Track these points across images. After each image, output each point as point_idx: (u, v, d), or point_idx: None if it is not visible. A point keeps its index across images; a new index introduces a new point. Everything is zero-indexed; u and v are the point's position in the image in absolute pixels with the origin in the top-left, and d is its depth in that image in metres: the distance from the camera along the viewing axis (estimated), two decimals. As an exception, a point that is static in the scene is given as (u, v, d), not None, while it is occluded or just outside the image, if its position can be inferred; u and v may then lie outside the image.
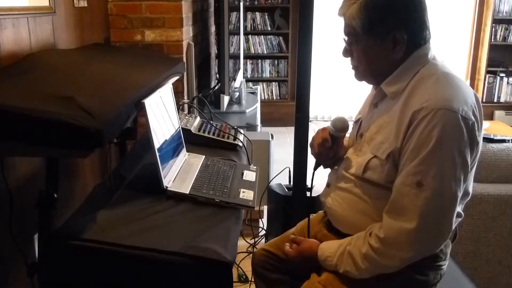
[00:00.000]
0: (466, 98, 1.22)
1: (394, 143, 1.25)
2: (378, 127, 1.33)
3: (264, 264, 1.62)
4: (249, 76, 5.89)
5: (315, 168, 1.54)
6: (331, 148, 1.45)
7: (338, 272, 1.33)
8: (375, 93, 1.39)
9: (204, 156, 1.72)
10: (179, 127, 1.69)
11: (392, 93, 1.31)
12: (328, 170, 1.55)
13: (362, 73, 1.37)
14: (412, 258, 1.25)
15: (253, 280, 1.69)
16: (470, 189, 1.31)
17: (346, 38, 1.34)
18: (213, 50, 4.05)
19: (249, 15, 5.74)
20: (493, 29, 5.72)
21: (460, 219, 1.34)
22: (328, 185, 1.50)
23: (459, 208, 1.27)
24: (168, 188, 1.41)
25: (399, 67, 1.30)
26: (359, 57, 1.33)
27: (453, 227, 1.26)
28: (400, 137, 1.23)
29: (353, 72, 1.39)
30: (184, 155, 1.68)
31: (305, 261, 1.41)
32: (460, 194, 1.22)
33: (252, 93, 4.20)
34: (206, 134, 1.92)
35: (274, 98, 6.02)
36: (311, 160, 2.53)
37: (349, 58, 1.38)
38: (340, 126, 1.42)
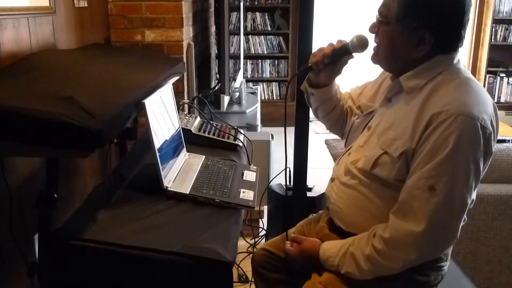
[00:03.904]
0: (486, 107, 1.21)
1: (408, 143, 1.24)
2: (390, 123, 1.32)
3: (264, 263, 1.61)
4: (249, 76, 5.89)
5: (301, 71, 1.52)
6: (332, 60, 1.42)
7: (339, 272, 1.32)
8: (391, 86, 1.37)
9: (204, 156, 1.71)
10: (179, 127, 1.69)
11: (409, 88, 1.29)
12: (328, 167, 1.54)
13: (380, 55, 1.34)
14: (415, 261, 1.25)
15: (253, 280, 1.69)
16: (474, 196, 1.31)
17: (379, 16, 1.32)
18: (213, 50, 4.05)
19: (249, 15, 5.74)
20: (493, 29, 5.72)
21: (463, 223, 1.33)
22: (332, 179, 1.49)
23: None
24: (168, 188, 1.41)
25: (418, 65, 1.29)
26: (382, 39, 1.32)
27: (459, 233, 1.26)
28: (416, 138, 1.22)
29: (370, 55, 1.37)
30: (184, 155, 1.68)
31: (306, 260, 1.41)
32: (469, 202, 1.22)
33: (252, 93, 4.20)
34: (206, 134, 1.92)
35: (274, 98, 6.02)
36: (311, 160, 2.54)
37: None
38: (360, 41, 1.37)
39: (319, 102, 1.57)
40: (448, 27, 1.25)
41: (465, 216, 1.31)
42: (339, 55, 1.42)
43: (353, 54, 1.42)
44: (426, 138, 1.20)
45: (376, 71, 1.50)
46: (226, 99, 3.20)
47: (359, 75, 1.57)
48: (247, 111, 3.49)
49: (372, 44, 1.37)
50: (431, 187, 1.18)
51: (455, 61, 1.29)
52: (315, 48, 2.27)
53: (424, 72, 1.28)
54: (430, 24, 1.24)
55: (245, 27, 5.67)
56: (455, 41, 1.28)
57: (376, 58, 1.36)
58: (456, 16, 1.24)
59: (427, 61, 1.28)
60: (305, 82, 1.56)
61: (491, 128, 1.20)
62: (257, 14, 5.76)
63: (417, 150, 1.22)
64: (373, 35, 1.35)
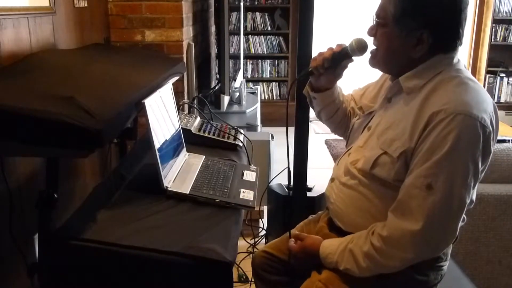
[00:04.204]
0: (486, 106, 1.21)
1: (408, 143, 1.23)
2: (389, 123, 1.32)
3: (264, 265, 1.62)
4: (249, 76, 5.89)
5: (302, 76, 1.53)
6: (332, 64, 1.43)
7: (338, 270, 1.33)
8: (391, 86, 1.37)
9: (204, 156, 1.71)
10: (179, 127, 1.69)
11: (409, 89, 1.29)
12: (328, 167, 1.54)
13: (378, 58, 1.34)
14: (412, 260, 1.25)
15: (253, 280, 1.69)
16: (474, 196, 1.30)
17: (376, 19, 1.33)
18: (213, 50, 4.05)
19: (249, 15, 5.74)
20: (493, 29, 5.73)
21: (462, 223, 1.33)
22: (332, 179, 1.49)
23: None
24: (168, 188, 1.41)
25: (417, 65, 1.28)
26: (380, 41, 1.32)
27: (457, 232, 1.26)
28: (415, 138, 1.22)
29: (368, 58, 1.37)
30: (184, 155, 1.68)
31: (308, 258, 1.41)
32: (468, 201, 1.22)
33: (252, 93, 4.20)
34: (206, 134, 1.92)
35: (274, 98, 6.02)
36: (311, 160, 2.54)
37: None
38: (359, 45, 1.38)
39: (322, 105, 1.58)
40: (445, 26, 1.25)
41: (464, 216, 1.31)
42: (339, 59, 1.43)
43: (353, 57, 1.42)
44: (425, 137, 1.20)
45: (377, 72, 1.50)
46: (226, 99, 3.20)
47: (362, 77, 1.57)
48: (247, 111, 3.49)
49: (371, 47, 1.37)
50: (429, 185, 1.18)
51: (455, 60, 1.29)
52: (315, 48, 2.29)
53: (423, 72, 1.28)
54: (428, 24, 1.24)
55: (245, 27, 5.67)
56: (454, 39, 1.27)
57: (373, 61, 1.36)
58: (453, 14, 1.24)
59: (427, 61, 1.28)
60: (307, 86, 1.57)
61: (490, 127, 1.20)
62: (257, 14, 5.76)
63: (416, 149, 1.22)
64: (372, 38, 1.35)
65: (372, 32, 1.34)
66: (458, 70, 1.28)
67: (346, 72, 1.49)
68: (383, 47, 1.32)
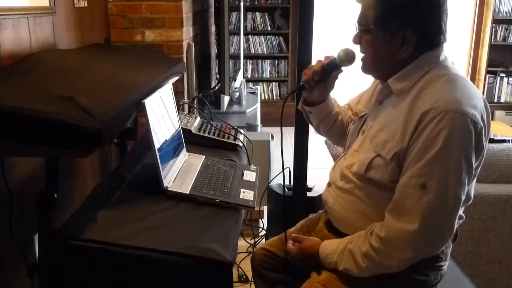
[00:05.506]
0: (476, 102, 1.21)
1: (400, 143, 1.24)
2: (381, 125, 1.32)
3: (264, 263, 1.62)
4: (249, 76, 5.89)
5: (294, 91, 1.57)
6: (322, 77, 1.45)
7: (338, 271, 1.33)
8: (381, 89, 1.38)
9: (204, 156, 1.71)
10: (179, 127, 1.69)
11: (398, 90, 1.30)
12: (328, 167, 1.54)
13: (368, 64, 1.35)
14: (411, 260, 1.25)
15: (253, 280, 1.69)
16: (472, 194, 1.30)
17: (358, 26, 1.33)
18: (213, 50, 4.05)
19: (249, 15, 5.74)
20: (493, 29, 5.72)
21: (461, 221, 1.33)
22: (329, 184, 1.50)
23: (460, 211, 1.27)
24: (168, 188, 1.41)
25: (405, 65, 1.29)
26: (366, 47, 1.33)
27: (455, 230, 1.26)
28: (407, 138, 1.22)
29: (360, 65, 1.38)
30: (184, 155, 1.68)
31: (307, 259, 1.41)
32: (463, 198, 1.22)
33: (252, 93, 4.20)
34: (206, 134, 1.92)
35: (274, 98, 6.02)
36: (311, 160, 2.54)
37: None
38: (346, 55, 1.40)
39: (319, 119, 1.59)
40: (427, 22, 1.26)
41: (463, 214, 1.32)
42: (328, 70, 1.44)
43: (342, 68, 1.44)
44: (417, 137, 1.20)
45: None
46: (226, 99, 3.20)
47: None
48: (247, 111, 3.49)
49: (359, 55, 1.38)
50: (423, 185, 1.18)
51: (442, 58, 1.30)
52: (315, 48, 2.29)
53: (411, 72, 1.29)
54: (409, 22, 1.25)
55: (245, 27, 5.67)
56: (437, 34, 1.28)
57: (365, 68, 1.37)
58: (433, 9, 1.25)
59: (414, 61, 1.28)
60: (301, 102, 1.59)
61: (481, 123, 1.20)
62: (257, 14, 5.76)
63: (408, 149, 1.22)
64: (359, 47, 1.36)
65: (357, 39, 1.35)
66: (446, 67, 1.28)
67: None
68: (370, 53, 1.33)
